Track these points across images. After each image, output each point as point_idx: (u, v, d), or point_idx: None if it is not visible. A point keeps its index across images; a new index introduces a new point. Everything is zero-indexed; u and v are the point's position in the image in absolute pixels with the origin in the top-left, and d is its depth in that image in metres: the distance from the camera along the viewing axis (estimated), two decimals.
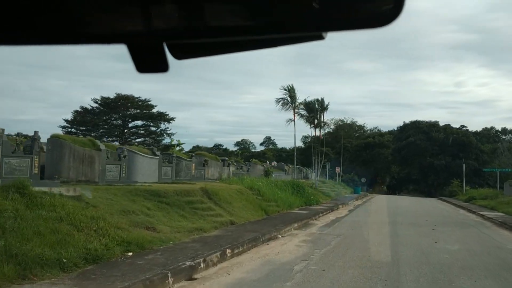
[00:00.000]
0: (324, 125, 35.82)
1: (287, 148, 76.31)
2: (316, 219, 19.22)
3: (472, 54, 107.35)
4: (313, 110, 34.17)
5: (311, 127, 34.84)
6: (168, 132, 58.92)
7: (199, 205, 14.25)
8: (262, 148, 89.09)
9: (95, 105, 55.03)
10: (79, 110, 55.12)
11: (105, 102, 54.86)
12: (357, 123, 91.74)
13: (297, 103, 29.14)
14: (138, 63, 0.82)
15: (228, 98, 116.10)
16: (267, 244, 11.78)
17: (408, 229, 15.85)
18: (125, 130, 57.55)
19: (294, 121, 29.75)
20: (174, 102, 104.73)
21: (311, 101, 34.15)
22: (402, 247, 11.58)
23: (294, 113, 29.55)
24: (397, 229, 15.80)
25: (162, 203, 12.89)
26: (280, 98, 28.98)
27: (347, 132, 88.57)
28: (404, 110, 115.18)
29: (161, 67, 0.82)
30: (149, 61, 0.82)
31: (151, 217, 11.46)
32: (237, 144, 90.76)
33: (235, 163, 34.17)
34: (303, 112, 34.24)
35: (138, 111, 56.44)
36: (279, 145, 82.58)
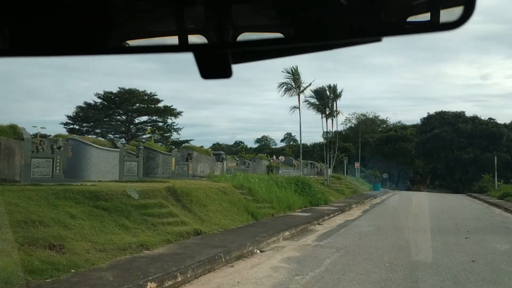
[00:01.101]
0: (337, 114, 31.98)
1: (308, 144, 73.45)
2: (318, 224, 15.74)
3: (498, 45, 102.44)
4: (324, 98, 30.51)
5: (322, 117, 31.21)
6: (175, 127, 56.05)
7: (155, 210, 10.99)
8: (283, 144, 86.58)
9: (99, 100, 52.76)
10: (83, 106, 52.84)
11: (108, 97, 52.36)
12: (379, 118, 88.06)
13: (302, 88, 25.56)
14: (203, 70, 0.84)
15: (251, 95, 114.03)
16: (232, 266, 8.43)
17: (433, 238, 12.22)
18: (131, 126, 54.93)
19: (299, 109, 26.28)
20: (196, 100, 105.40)
21: (321, 87, 30.54)
22: (424, 273, 8.02)
23: (299, 99, 26.07)
24: (419, 239, 12.18)
25: (99, 208, 9.67)
26: (282, 83, 25.49)
27: (370, 126, 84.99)
28: (428, 104, 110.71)
29: (225, 73, 0.85)
30: (213, 68, 0.85)
31: (69, 229, 8.25)
32: (258, 141, 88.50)
33: (237, 159, 30.93)
34: (313, 100, 30.65)
35: (144, 105, 53.77)
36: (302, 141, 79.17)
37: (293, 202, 18.76)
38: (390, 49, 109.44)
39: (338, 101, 31.99)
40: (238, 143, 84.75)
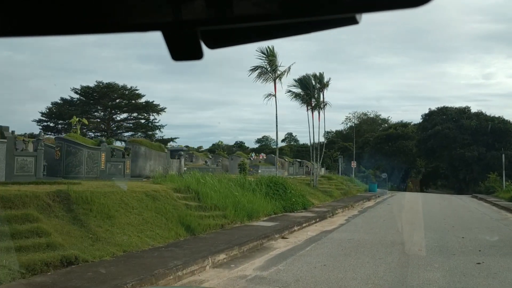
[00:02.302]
0: (324, 106, 28.14)
1: (308, 144, 70.02)
2: (282, 238, 12.05)
3: (500, 45, 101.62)
4: (309, 87, 26.79)
5: (307, 109, 27.41)
6: (157, 124, 52.36)
7: (14, 227, 7.31)
8: (283, 144, 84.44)
9: (76, 96, 49.10)
10: (59, 101, 49.14)
11: (86, 92, 48.68)
12: (380, 117, 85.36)
13: (279, 72, 21.68)
14: (173, 51, 0.82)
15: (252, 96, 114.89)
16: None
17: (431, 264, 8.50)
18: (111, 123, 51.22)
19: (276, 96, 22.46)
20: (198, 101, 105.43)
21: (305, 75, 26.75)
22: None
23: (275, 85, 22.22)
24: (410, 265, 8.46)
25: None
26: (256, 66, 21.46)
27: (370, 125, 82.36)
28: (430, 104, 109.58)
29: (196, 54, 0.83)
30: (183, 49, 0.83)
31: None
32: (258, 141, 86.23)
33: (210, 157, 27.25)
34: (297, 90, 26.89)
35: (125, 101, 50.04)
36: (302, 142, 77.41)
37: (258, 208, 15.06)
38: (392, 49, 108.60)
39: (325, 91, 28.22)
40: (238, 144, 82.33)
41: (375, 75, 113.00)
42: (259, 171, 23.72)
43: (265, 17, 0.75)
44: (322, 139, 32.72)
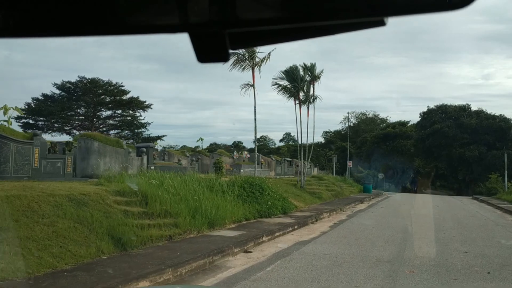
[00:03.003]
0: (314, 100, 25.82)
1: (307, 144, 68.84)
2: (245, 251, 9.82)
3: (500, 45, 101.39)
4: (297, 79, 24.54)
5: (295, 103, 25.17)
6: (142, 121, 49.98)
7: None
8: (282, 144, 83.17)
9: (58, 91, 46.70)
10: (40, 97, 46.67)
11: (68, 88, 46.27)
12: (379, 116, 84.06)
13: (258, 59, 19.31)
14: (200, 53, 0.80)
15: (251, 96, 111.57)
16: None
17: None
18: (94, 120, 48.75)
19: (254, 86, 20.05)
20: (198, 101, 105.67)
21: (293, 66, 24.47)
22: None
23: (253, 73, 19.79)
24: None
25: None
26: (231, 53, 19.14)
27: (369, 125, 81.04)
28: (430, 104, 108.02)
29: (222, 56, 0.81)
30: (210, 51, 0.80)
31: None
32: (257, 140, 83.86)
33: (188, 155, 24.97)
34: (283, 83, 24.59)
35: (110, 97, 47.60)
36: (300, 141, 75.43)
37: (224, 214, 12.80)
38: (392, 49, 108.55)
39: (317, 84, 25.93)
40: (236, 143, 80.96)
41: (374, 75, 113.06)
42: (241, 170, 21.46)
43: (292, 20, 0.73)
44: (311, 137, 30.36)
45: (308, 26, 0.75)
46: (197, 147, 64.06)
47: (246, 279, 7.32)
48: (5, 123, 14.35)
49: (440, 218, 17.84)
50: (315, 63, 25.07)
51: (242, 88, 20.34)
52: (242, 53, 18.91)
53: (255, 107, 19.66)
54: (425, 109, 61.89)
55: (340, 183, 33.59)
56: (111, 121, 51.02)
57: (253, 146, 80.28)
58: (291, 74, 24.71)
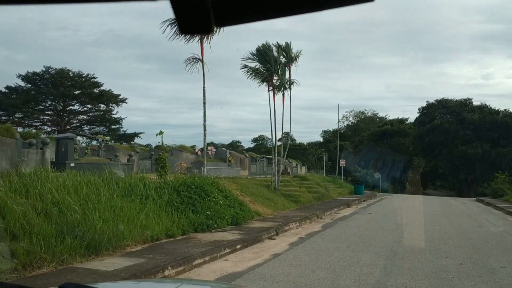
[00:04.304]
0: (290, 85, 21.83)
1: (305, 143, 68.10)
2: None
3: (499, 45, 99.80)
4: (270, 61, 20.65)
5: (268, 90, 21.26)
6: (115, 116, 45.94)
7: None
8: (280, 143, 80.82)
9: (23, 83, 42.67)
10: (3, 90, 42.61)
11: (32, 79, 42.24)
12: (378, 115, 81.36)
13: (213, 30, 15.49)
14: (181, 22, 0.78)
15: (250, 96, 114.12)
16: None
17: None
18: (64, 115, 44.63)
19: (203, 61, 15.94)
20: (197, 101, 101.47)
21: (265, 44, 20.52)
22: None
23: (202, 45, 15.75)
24: None
25: None
26: (171, 19, 14.75)
27: (367, 124, 78.03)
28: None
29: (205, 27, 0.78)
30: (192, 21, 0.77)
31: None
32: (255, 140, 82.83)
33: (138, 151, 20.96)
34: (253, 64, 20.67)
35: (81, 90, 43.52)
36: (298, 141, 73.71)
37: (132, 229, 8.86)
38: (391, 49, 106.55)
39: (294, 66, 21.99)
40: (235, 143, 78.24)
41: (374, 75, 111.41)
42: (204, 169, 17.48)
43: None
44: (287, 128, 26.34)
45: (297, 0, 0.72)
46: (193, 146, 60.62)
47: None
48: None
49: (440, 230, 13.86)
50: (290, 42, 21.16)
51: (188, 63, 16.25)
52: None
53: (204, 87, 15.65)
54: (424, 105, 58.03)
55: (327, 184, 29.65)
56: (84, 116, 47.09)
57: (251, 145, 77.74)
58: (263, 53, 20.77)
